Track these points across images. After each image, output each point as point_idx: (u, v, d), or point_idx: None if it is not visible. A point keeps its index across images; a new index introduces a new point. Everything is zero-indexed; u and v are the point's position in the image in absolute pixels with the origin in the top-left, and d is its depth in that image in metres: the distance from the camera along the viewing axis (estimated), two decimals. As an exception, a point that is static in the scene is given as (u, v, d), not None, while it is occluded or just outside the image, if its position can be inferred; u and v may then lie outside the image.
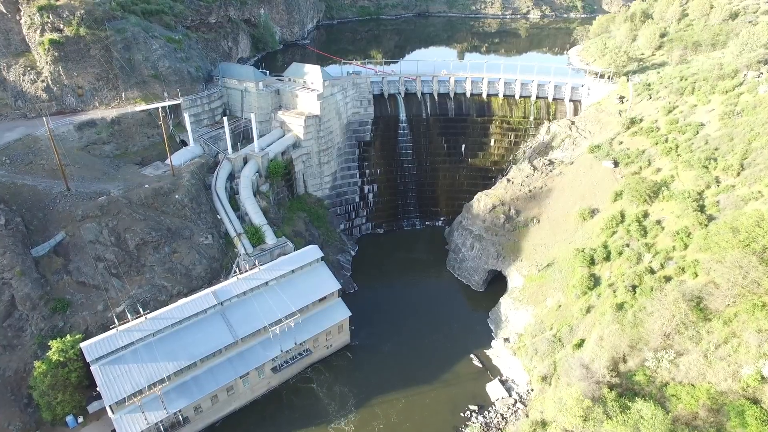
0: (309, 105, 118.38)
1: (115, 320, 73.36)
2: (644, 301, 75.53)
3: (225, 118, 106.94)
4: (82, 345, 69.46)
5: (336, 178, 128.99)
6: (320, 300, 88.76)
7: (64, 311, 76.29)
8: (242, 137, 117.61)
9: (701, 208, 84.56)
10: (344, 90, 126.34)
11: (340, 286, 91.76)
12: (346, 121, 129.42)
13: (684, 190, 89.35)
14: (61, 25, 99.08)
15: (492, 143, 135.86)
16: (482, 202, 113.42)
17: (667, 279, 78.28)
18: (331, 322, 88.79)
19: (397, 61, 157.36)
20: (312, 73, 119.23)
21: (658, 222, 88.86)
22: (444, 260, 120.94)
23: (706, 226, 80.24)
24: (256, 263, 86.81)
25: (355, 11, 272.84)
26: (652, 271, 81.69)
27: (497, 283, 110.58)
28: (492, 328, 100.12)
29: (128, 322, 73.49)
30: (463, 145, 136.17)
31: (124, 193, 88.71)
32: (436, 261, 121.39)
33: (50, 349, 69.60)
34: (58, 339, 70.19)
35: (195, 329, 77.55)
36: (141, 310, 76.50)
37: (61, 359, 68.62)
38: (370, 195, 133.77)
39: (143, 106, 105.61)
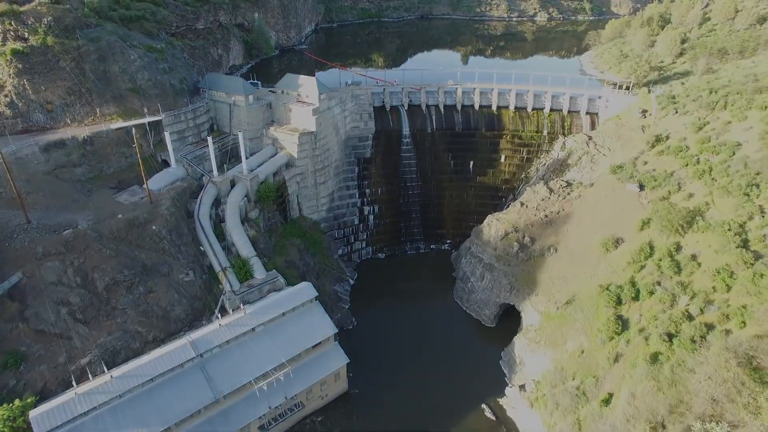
0: (303, 120, 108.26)
1: (74, 382, 63.36)
2: (683, 355, 65.76)
3: (209, 137, 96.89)
4: (31, 415, 59.30)
5: (333, 199, 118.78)
6: (314, 346, 78.82)
7: (17, 366, 65.85)
8: (231, 156, 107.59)
9: (744, 243, 74.94)
10: (342, 103, 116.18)
11: (337, 330, 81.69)
12: (345, 136, 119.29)
13: (723, 220, 79.53)
14: (26, 34, 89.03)
15: (502, 160, 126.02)
16: (493, 227, 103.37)
17: (709, 327, 68.70)
18: (326, 371, 78.86)
19: (399, 69, 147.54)
20: (307, 84, 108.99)
21: (694, 257, 79.05)
22: (451, 289, 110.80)
23: (752, 265, 70.70)
24: (241, 306, 76.78)
25: (355, 14, 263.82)
26: (689, 317, 72.03)
27: (510, 317, 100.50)
28: (505, 371, 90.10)
29: (89, 382, 63.58)
30: (471, 162, 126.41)
31: (94, 225, 78.74)
32: (443, 290, 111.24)
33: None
34: (5, 405, 60.14)
35: (170, 387, 67.61)
36: (106, 367, 66.57)
37: (7, 430, 58.61)
38: (371, 217, 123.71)
39: (120, 124, 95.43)
